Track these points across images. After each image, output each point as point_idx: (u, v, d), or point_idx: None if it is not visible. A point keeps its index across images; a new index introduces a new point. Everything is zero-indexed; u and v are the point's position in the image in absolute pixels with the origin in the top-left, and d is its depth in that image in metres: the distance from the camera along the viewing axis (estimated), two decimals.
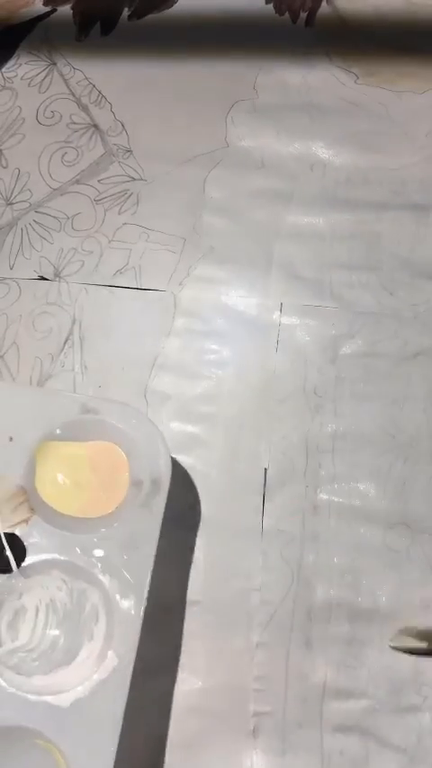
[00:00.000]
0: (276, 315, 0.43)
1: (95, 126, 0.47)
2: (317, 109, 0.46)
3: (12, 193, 0.46)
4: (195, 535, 0.39)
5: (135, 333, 0.43)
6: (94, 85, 0.48)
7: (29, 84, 0.48)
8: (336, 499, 0.40)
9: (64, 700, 0.31)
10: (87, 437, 0.36)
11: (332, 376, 0.42)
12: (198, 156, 0.46)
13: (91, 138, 0.47)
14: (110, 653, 0.31)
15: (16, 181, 0.46)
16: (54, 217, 0.45)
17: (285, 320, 0.43)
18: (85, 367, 0.42)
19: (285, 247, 0.44)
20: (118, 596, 0.32)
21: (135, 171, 0.46)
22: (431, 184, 0.45)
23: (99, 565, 0.33)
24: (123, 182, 0.46)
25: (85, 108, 0.47)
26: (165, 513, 0.34)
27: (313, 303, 0.43)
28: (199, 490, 0.40)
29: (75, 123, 0.47)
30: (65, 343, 0.43)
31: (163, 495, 0.34)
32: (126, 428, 0.35)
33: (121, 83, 0.48)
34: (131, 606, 0.32)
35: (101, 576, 0.33)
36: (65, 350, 0.43)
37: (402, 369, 0.42)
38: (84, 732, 0.30)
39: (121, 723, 0.30)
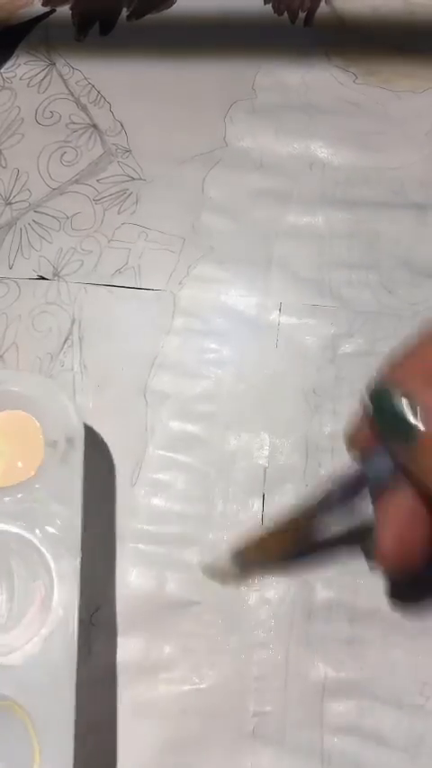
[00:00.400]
0: (276, 314, 0.43)
1: (94, 126, 0.47)
2: (316, 109, 0.47)
3: (11, 193, 0.46)
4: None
5: (134, 332, 0.43)
6: (93, 85, 0.48)
7: (28, 85, 0.48)
8: None
9: (16, 658, 0.31)
10: None
11: (332, 375, 0.42)
12: (197, 156, 0.46)
13: (90, 137, 0.47)
14: (53, 606, 0.32)
15: (15, 180, 0.46)
16: (53, 216, 0.45)
17: (285, 319, 0.43)
18: (85, 366, 0.42)
19: (285, 247, 0.44)
20: (53, 551, 0.33)
21: (134, 170, 0.46)
22: (430, 184, 0.45)
23: (29, 525, 0.34)
24: (122, 181, 0.46)
25: (84, 108, 0.47)
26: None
27: (312, 302, 0.43)
28: (198, 490, 0.40)
29: (74, 123, 0.47)
30: (64, 342, 0.43)
31: (79, 449, 0.35)
32: (32, 394, 0.36)
33: (120, 83, 0.48)
34: (68, 557, 0.33)
35: (32, 536, 0.33)
36: (64, 349, 0.43)
37: None
38: (39, 684, 0.31)
39: (75, 669, 0.31)
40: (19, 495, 0.34)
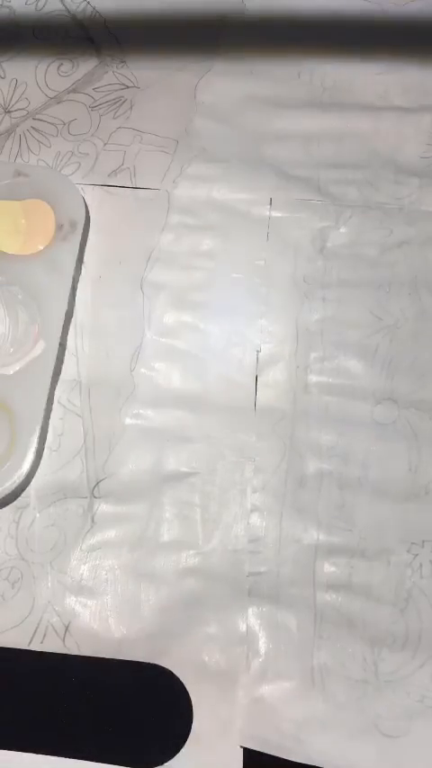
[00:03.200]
0: (266, 209, 0.45)
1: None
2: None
3: (10, 102, 0.47)
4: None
5: (131, 229, 0.45)
6: (88, 2, 0.50)
7: (25, 3, 0.50)
8: (325, 378, 0.42)
9: (11, 370, 0.41)
10: (21, 196, 0.44)
11: (320, 265, 0.44)
12: (189, 65, 0.48)
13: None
14: (40, 342, 0.41)
15: (14, 90, 0.48)
16: (51, 123, 0.47)
17: (275, 213, 0.44)
18: (83, 262, 0.44)
19: (274, 147, 0.46)
20: (46, 301, 0.42)
21: (129, 80, 0.48)
22: (413, 89, 0.47)
23: (30, 283, 0.43)
24: (118, 89, 0.47)
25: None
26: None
27: (302, 197, 0.45)
28: (194, 373, 0.42)
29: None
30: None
31: (78, 231, 0.43)
32: (51, 186, 0.44)
33: None
34: (55, 306, 0.42)
35: (31, 292, 0.42)
36: None
37: (388, 257, 0.43)
38: (23, 386, 0.41)
39: (50, 381, 0.41)
40: (27, 263, 0.43)
